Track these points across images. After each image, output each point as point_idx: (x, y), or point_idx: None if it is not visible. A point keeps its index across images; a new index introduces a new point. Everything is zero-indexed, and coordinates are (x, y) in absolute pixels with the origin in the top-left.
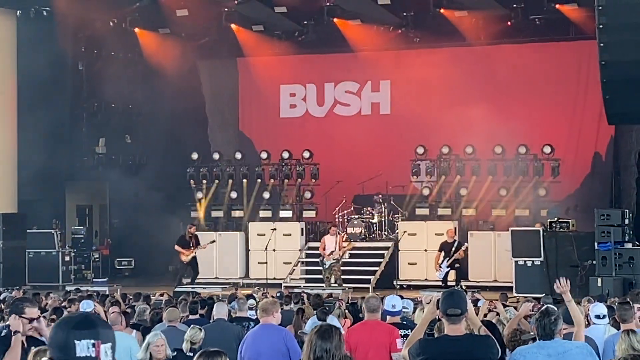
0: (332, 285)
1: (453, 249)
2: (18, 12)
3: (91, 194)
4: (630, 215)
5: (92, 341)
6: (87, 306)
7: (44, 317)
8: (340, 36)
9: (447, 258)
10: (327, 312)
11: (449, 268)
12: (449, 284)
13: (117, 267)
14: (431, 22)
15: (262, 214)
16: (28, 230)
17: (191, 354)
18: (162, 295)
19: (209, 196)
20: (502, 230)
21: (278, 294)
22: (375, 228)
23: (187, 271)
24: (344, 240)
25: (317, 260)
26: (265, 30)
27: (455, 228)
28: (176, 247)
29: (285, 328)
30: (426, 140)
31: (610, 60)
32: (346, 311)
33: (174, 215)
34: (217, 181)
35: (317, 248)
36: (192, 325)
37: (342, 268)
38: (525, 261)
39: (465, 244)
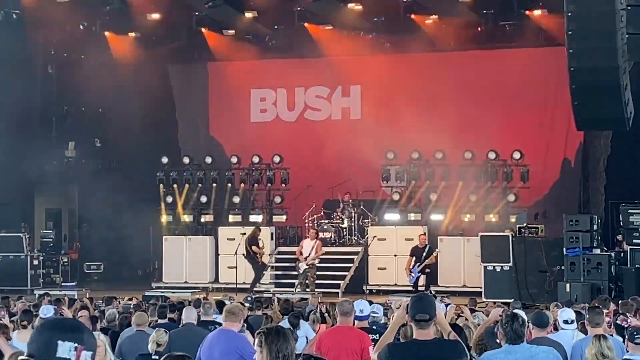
0: (305, 290)
1: (424, 254)
2: None
3: (60, 197)
4: (599, 220)
5: (75, 345)
6: (47, 311)
7: (12, 321)
8: (311, 41)
9: (419, 263)
10: (299, 317)
11: (420, 273)
12: (419, 289)
13: (86, 272)
14: (402, 28)
15: (231, 218)
16: None
17: (156, 357)
18: (130, 299)
19: (181, 200)
20: (472, 236)
21: (248, 299)
22: (345, 233)
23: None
24: (320, 247)
25: (287, 265)
26: (236, 35)
27: (425, 233)
28: (254, 248)
29: (242, 335)
30: (396, 146)
31: (579, 67)
32: (326, 314)
33: (144, 219)
34: (187, 185)
35: (287, 253)
36: (156, 328)
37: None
38: (494, 266)
39: (437, 249)
